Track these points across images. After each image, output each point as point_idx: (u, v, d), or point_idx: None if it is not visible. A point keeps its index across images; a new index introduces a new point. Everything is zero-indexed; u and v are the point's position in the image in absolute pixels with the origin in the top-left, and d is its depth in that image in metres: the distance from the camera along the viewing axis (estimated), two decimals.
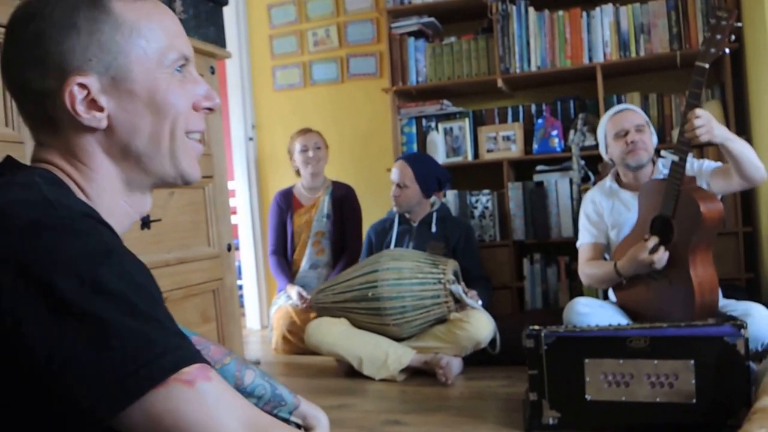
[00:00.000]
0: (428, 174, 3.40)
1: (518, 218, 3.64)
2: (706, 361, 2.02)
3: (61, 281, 0.69)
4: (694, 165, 2.71)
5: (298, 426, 1.27)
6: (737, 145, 2.46)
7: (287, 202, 3.97)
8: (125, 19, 0.87)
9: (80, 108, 0.85)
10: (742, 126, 3.35)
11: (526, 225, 3.65)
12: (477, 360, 3.01)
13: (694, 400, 2.03)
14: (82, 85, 0.84)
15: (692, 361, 2.03)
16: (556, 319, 2.89)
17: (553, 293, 3.59)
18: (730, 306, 2.54)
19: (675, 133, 3.43)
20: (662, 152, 2.80)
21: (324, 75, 4.39)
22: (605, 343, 2.11)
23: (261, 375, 1.25)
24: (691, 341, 2.04)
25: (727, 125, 3.32)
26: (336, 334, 3.04)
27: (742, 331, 2.05)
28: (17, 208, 0.73)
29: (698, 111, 2.40)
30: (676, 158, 2.49)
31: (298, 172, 3.97)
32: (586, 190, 3.44)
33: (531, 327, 2.31)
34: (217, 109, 0.97)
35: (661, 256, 2.51)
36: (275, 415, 1.24)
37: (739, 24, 2.41)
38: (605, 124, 2.89)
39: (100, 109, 0.86)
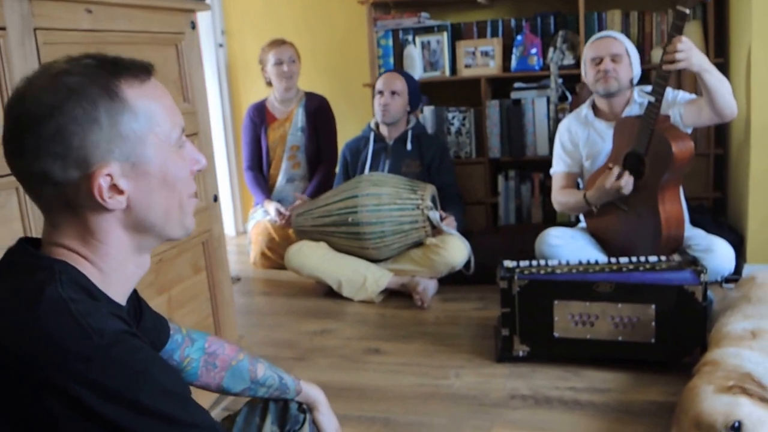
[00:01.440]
0: (416, 89, 3.51)
1: (494, 136, 3.77)
2: (665, 306, 2.25)
3: (112, 411, 0.85)
4: (669, 95, 2.83)
5: (302, 407, 1.46)
6: (713, 78, 2.58)
7: (260, 116, 4.02)
8: (138, 107, 0.95)
9: (106, 195, 0.94)
10: (720, 48, 3.45)
11: (501, 142, 3.78)
12: (452, 279, 3.23)
13: (652, 340, 2.28)
14: (107, 174, 0.93)
15: (653, 306, 2.26)
16: (527, 238, 3.12)
17: (527, 209, 3.79)
18: (694, 239, 2.76)
19: (654, 53, 3.52)
20: (637, 89, 2.93)
21: None
22: (574, 287, 2.33)
23: (269, 367, 1.43)
24: (653, 288, 2.26)
25: (706, 46, 3.43)
26: (316, 258, 3.23)
27: (702, 276, 2.27)
28: (57, 338, 0.85)
29: (682, 38, 2.49)
30: (652, 99, 2.62)
31: (269, 83, 3.99)
32: (563, 109, 3.57)
33: (505, 266, 2.50)
34: (204, 169, 1.09)
35: (626, 181, 2.68)
36: (284, 401, 1.43)
37: None
38: (586, 48, 2.99)
39: (121, 193, 0.95)
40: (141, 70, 1.00)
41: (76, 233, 0.97)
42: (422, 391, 2.28)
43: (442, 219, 3.17)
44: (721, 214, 3.48)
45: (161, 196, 0.99)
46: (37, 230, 1.59)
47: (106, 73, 0.95)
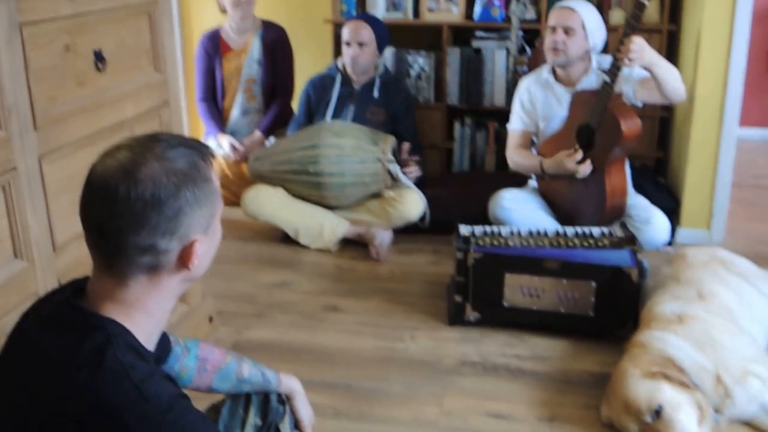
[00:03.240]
0: (383, 32, 3.59)
1: (453, 83, 3.91)
2: (604, 284, 2.53)
3: None
4: (624, 71, 3.02)
5: (281, 398, 1.68)
6: (662, 70, 2.81)
7: (214, 46, 3.98)
8: (215, 185, 1.17)
9: (193, 260, 1.14)
10: (674, 15, 3.62)
11: (460, 90, 3.93)
12: (407, 229, 3.44)
13: (591, 313, 2.57)
14: (198, 244, 1.13)
15: (593, 283, 2.53)
16: (480, 191, 3.36)
17: (480, 156, 3.99)
18: (635, 209, 3.03)
19: (612, 14, 3.67)
20: (597, 58, 3.10)
21: None
22: (524, 262, 2.57)
23: (253, 365, 1.63)
24: (595, 267, 2.53)
25: (661, 12, 3.59)
26: (273, 205, 3.38)
27: (638, 256, 2.54)
28: (118, 404, 1.02)
29: (635, 38, 2.68)
30: (607, 79, 2.81)
31: (223, 11, 3.95)
32: (522, 62, 3.74)
33: (461, 235, 2.72)
34: None
35: (585, 169, 2.92)
36: (264, 393, 1.64)
37: None
38: (550, 12, 3.13)
39: (197, 257, 1.15)
40: (213, 154, 1.20)
41: (143, 291, 1.14)
42: (380, 354, 2.53)
43: (405, 166, 3.34)
44: (661, 175, 3.75)
45: (211, 253, 1.21)
46: (23, 228, 1.70)
47: (200, 159, 1.15)
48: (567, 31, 3.03)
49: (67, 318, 1.12)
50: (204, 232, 1.15)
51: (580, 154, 2.94)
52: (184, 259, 1.14)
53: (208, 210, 1.15)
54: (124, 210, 1.08)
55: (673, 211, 3.34)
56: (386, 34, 3.61)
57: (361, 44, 3.49)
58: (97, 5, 1.96)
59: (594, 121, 2.90)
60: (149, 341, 1.18)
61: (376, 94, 3.58)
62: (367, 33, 3.50)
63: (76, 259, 1.85)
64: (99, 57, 1.98)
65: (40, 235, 1.73)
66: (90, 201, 1.13)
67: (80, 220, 1.15)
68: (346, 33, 3.52)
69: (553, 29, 3.06)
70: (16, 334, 1.20)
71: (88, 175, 1.14)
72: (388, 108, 3.59)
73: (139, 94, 2.15)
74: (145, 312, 1.15)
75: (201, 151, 1.17)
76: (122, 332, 1.11)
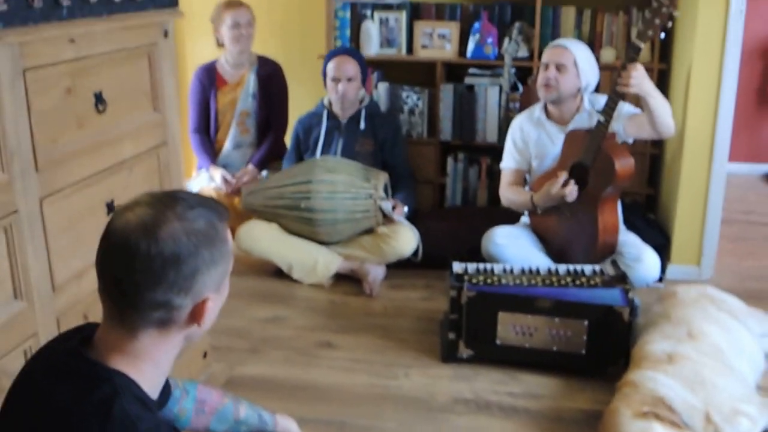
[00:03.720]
0: (364, 64, 3.66)
1: (447, 119, 3.98)
2: (596, 322, 2.57)
3: None
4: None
5: None
6: (657, 102, 2.89)
7: (210, 78, 4.03)
8: (230, 245, 1.21)
9: (204, 317, 1.17)
10: (664, 54, 3.71)
11: (453, 126, 3.99)
12: (399, 264, 3.47)
13: (583, 351, 2.60)
14: (209, 301, 1.17)
15: (586, 322, 2.57)
16: (473, 225, 3.42)
17: (473, 191, 4.05)
18: (626, 246, 3.08)
19: (604, 52, 3.75)
20: (589, 97, 3.17)
21: None
22: (517, 301, 2.62)
23: (249, 406, 1.67)
24: (587, 306, 2.57)
25: (651, 52, 3.68)
26: (267, 240, 3.41)
27: (630, 294, 2.59)
28: None
29: (636, 64, 2.76)
30: (602, 119, 2.89)
31: (220, 44, 4.00)
32: (514, 99, 3.81)
33: (455, 272, 2.76)
34: None
35: (571, 190, 2.97)
36: None
37: (677, 14, 2.70)
38: (544, 51, 3.20)
39: (208, 313, 1.18)
40: (228, 215, 1.24)
41: (152, 343, 1.17)
42: (374, 391, 2.55)
43: (393, 208, 3.39)
44: (651, 211, 3.81)
45: (219, 308, 1.24)
46: (23, 269, 1.72)
47: (217, 220, 1.19)
48: (559, 67, 3.10)
49: (75, 368, 1.14)
50: (216, 290, 1.20)
51: (563, 176, 2.99)
52: (195, 316, 1.17)
53: (222, 269, 1.20)
54: (143, 266, 1.11)
55: (663, 247, 3.40)
56: (365, 64, 3.68)
57: (349, 79, 3.55)
58: (98, 48, 2.00)
59: (588, 159, 2.96)
60: (154, 390, 1.21)
61: (362, 125, 3.64)
62: (352, 67, 3.57)
63: (75, 299, 1.88)
64: (99, 99, 2.02)
65: (39, 276, 1.76)
66: (109, 255, 1.15)
67: (97, 272, 1.18)
68: (332, 69, 3.58)
69: (546, 66, 3.13)
70: (23, 380, 1.22)
71: (107, 228, 1.17)
72: (376, 138, 3.65)
73: (138, 134, 2.19)
74: (153, 363, 1.18)
75: (218, 211, 1.21)
76: (129, 384, 1.14)
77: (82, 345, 1.19)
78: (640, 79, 2.79)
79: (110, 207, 2.06)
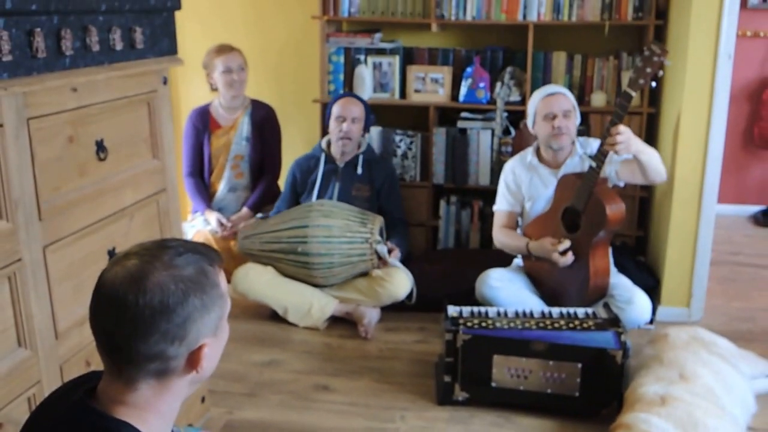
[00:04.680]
0: (368, 110, 3.73)
1: (439, 162, 4.04)
2: (590, 365, 2.60)
3: None
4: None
5: None
6: (646, 156, 2.96)
7: (204, 122, 4.07)
8: (223, 290, 1.22)
9: (201, 364, 1.18)
10: (654, 99, 3.79)
11: (446, 169, 4.05)
12: (393, 306, 3.50)
13: (577, 393, 2.63)
14: (206, 348, 1.18)
15: (580, 365, 2.60)
16: (466, 268, 3.48)
17: (465, 234, 4.09)
18: (618, 289, 3.12)
19: (594, 97, 3.84)
20: (579, 140, 3.24)
21: None
22: (512, 344, 2.64)
23: None
24: (581, 349, 2.60)
25: (641, 96, 3.76)
26: (262, 284, 3.44)
27: (622, 337, 2.63)
28: None
29: (621, 128, 2.83)
30: (593, 164, 2.94)
31: (213, 89, 4.04)
32: (506, 143, 3.87)
33: (450, 316, 2.79)
34: None
35: (567, 260, 3.03)
36: None
37: (668, 62, 2.78)
38: (537, 101, 3.26)
39: (206, 359, 1.19)
40: (221, 259, 1.25)
41: (152, 394, 1.18)
42: None
43: (389, 252, 3.43)
44: (641, 254, 3.87)
45: (219, 352, 1.25)
46: (27, 317, 1.74)
47: (208, 265, 1.19)
48: (566, 114, 3.17)
49: (82, 421, 1.16)
50: (213, 335, 1.20)
51: (562, 246, 3.04)
52: (192, 363, 1.18)
53: (216, 314, 1.20)
54: (133, 318, 1.11)
55: (653, 289, 3.44)
56: (371, 112, 3.75)
57: (353, 120, 3.61)
58: (100, 97, 2.04)
59: (579, 204, 3.01)
60: None
61: (360, 170, 3.69)
62: (358, 109, 3.63)
63: (78, 346, 1.90)
64: (100, 147, 2.05)
65: (43, 324, 1.78)
66: (99, 309, 1.16)
67: (90, 327, 1.19)
68: (338, 109, 3.63)
69: (553, 116, 3.18)
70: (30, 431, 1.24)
71: (98, 283, 1.18)
72: (373, 184, 3.70)
73: (138, 182, 2.23)
74: (156, 413, 1.19)
75: (209, 256, 1.21)
76: None
77: (87, 396, 1.20)
78: (626, 142, 2.84)
79: (111, 254, 2.09)
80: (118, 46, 2.04)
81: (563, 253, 3.04)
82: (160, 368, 1.16)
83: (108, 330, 1.15)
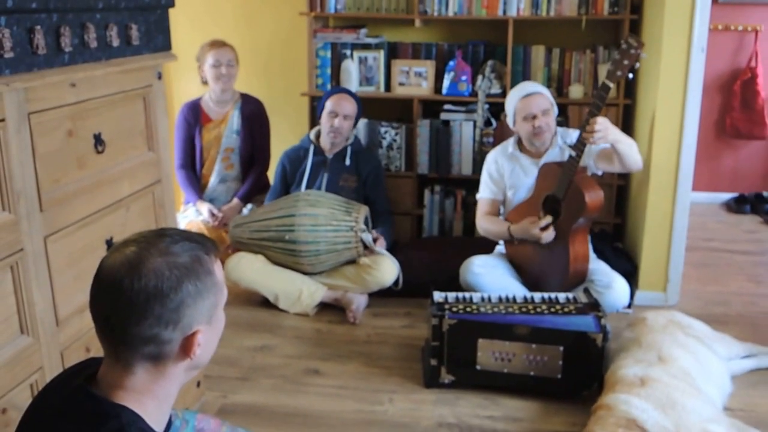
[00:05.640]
0: (360, 107, 3.74)
1: (423, 153, 4.07)
2: (571, 348, 2.64)
3: None
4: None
5: None
6: (624, 146, 3.00)
7: (195, 116, 4.07)
8: (218, 278, 1.23)
9: (195, 350, 1.19)
10: (629, 90, 3.84)
11: (429, 159, 4.08)
12: (380, 293, 3.53)
13: (559, 376, 2.67)
14: (200, 334, 1.19)
15: (561, 348, 2.64)
16: (449, 254, 3.51)
17: (449, 222, 4.13)
18: (597, 274, 3.17)
19: (572, 89, 3.88)
20: (559, 131, 3.28)
21: None
22: (496, 328, 2.68)
23: None
24: (562, 333, 2.64)
25: (617, 87, 3.80)
26: (253, 271, 3.46)
27: (602, 321, 2.67)
28: None
29: (599, 119, 2.86)
30: (573, 154, 2.98)
31: (204, 82, 4.07)
32: (488, 134, 3.91)
33: (436, 301, 2.83)
34: None
35: (549, 235, 3.06)
36: None
37: (644, 55, 2.82)
38: (515, 102, 3.28)
39: (200, 346, 1.20)
40: (216, 248, 1.26)
41: (150, 378, 1.20)
42: (360, 417, 2.59)
43: (374, 240, 3.46)
44: (619, 240, 3.92)
45: (215, 341, 1.27)
46: (29, 305, 1.75)
47: (203, 253, 1.21)
48: (545, 113, 3.21)
49: (83, 405, 1.17)
50: (207, 323, 1.21)
51: (544, 221, 3.08)
52: (186, 349, 1.19)
53: (210, 302, 1.21)
54: (128, 302, 1.13)
55: (630, 274, 3.49)
56: (361, 110, 3.76)
57: (345, 116, 3.62)
58: (98, 92, 2.05)
59: (560, 192, 3.06)
60: (158, 423, 1.24)
61: (347, 162, 3.71)
62: (351, 106, 3.64)
63: (78, 333, 1.91)
64: (98, 140, 2.06)
65: (44, 311, 1.79)
66: (98, 293, 1.19)
67: (90, 311, 1.21)
68: (331, 104, 3.64)
69: (533, 116, 3.21)
70: (31, 417, 1.25)
71: (98, 269, 1.21)
72: (360, 174, 3.72)
73: (134, 174, 2.24)
74: (154, 398, 1.21)
75: (204, 245, 1.23)
76: (135, 419, 1.17)
77: (87, 382, 1.22)
78: (604, 132, 2.88)
79: (109, 244, 2.10)
80: (115, 43, 2.04)
81: (544, 228, 3.07)
82: (155, 352, 1.17)
83: (105, 314, 1.17)
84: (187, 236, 1.24)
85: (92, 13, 1.93)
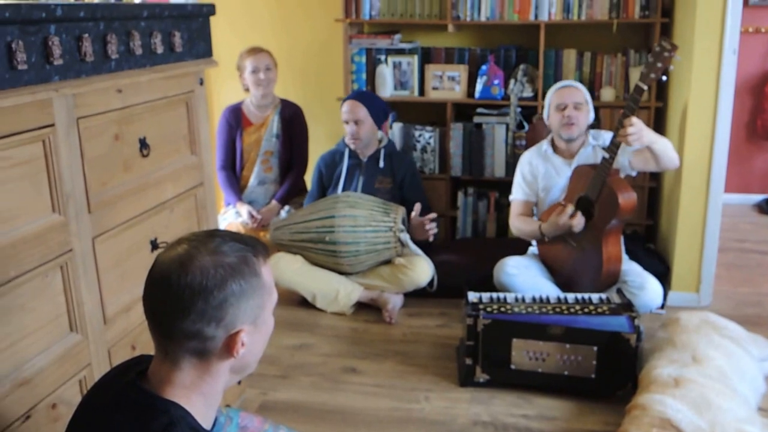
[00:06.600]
0: (377, 107, 3.70)
1: (457, 156, 4.03)
2: (605, 348, 2.59)
3: None
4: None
5: None
6: (659, 145, 2.93)
7: (236, 119, 4.10)
8: (266, 282, 1.22)
9: (237, 348, 1.18)
10: (661, 93, 3.76)
11: (463, 162, 4.04)
12: (415, 293, 3.50)
13: (593, 375, 2.62)
14: (243, 333, 1.18)
15: (595, 348, 2.59)
16: (483, 255, 3.47)
17: (482, 223, 4.08)
18: (630, 275, 3.10)
19: (603, 92, 3.81)
20: (592, 132, 3.23)
21: None
22: (530, 328, 2.63)
23: (287, 430, 1.68)
24: (596, 333, 2.59)
25: (649, 90, 3.73)
26: (292, 272, 3.45)
27: (636, 321, 2.61)
28: None
29: (633, 119, 2.80)
30: (606, 155, 2.92)
31: (246, 89, 4.10)
32: (520, 137, 3.85)
33: (470, 301, 2.79)
34: None
35: (578, 221, 3.00)
36: None
37: (678, 58, 2.76)
38: (551, 94, 3.25)
39: (243, 345, 1.19)
40: (267, 251, 1.25)
41: (196, 374, 1.19)
42: (397, 415, 2.57)
43: (422, 225, 3.42)
44: (651, 241, 3.84)
45: (261, 344, 1.26)
46: (78, 304, 1.76)
47: (252, 255, 1.20)
48: (576, 106, 3.16)
49: (134, 401, 1.17)
50: (252, 323, 1.20)
51: (570, 208, 3.02)
52: (229, 347, 1.18)
53: (255, 302, 1.20)
54: (174, 296, 1.14)
55: (663, 275, 3.42)
56: (382, 108, 3.70)
57: (357, 122, 3.60)
58: (143, 97, 2.06)
59: (593, 193, 3.00)
60: (206, 420, 1.23)
61: (381, 164, 3.69)
62: (361, 111, 3.61)
63: (124, 331, 1.91)
64: (143, 144, 2.07)
65: (92, 310, 1.79)
66: (149, 289, 1.20)
67: (143, 307, 1.21)
68: (343, 113, 3.64)
69: (564, 107, 3.17)
70: (84, 412, 1.25)
71: (152, 265, 1.21)
72: (395, 176, 3.69)
73: (178, 176, 2.24)
74: (200, 394, 1.20)
75: (254, 247, 1.23)
76: (184, 414, 1.16)
77: (138, 378, 1.22)
78: (638, 134, 2.82)
79: (154, 244, 2.10)
80: (159, 50, 2.05)
81: (572, 216, 3.01)
82: (199, 348, 1.17)
83: (154, 308, 1.18)
84: (238, 238, 1.23)
85: (137, 21, 1.94)
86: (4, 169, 1.51)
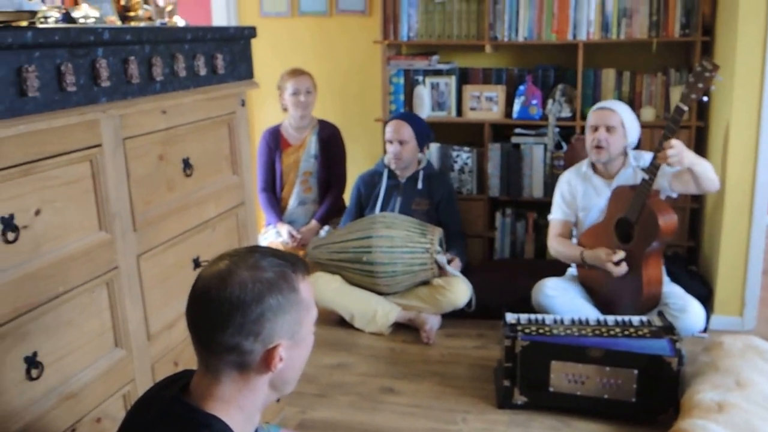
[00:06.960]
0: (422, 129, 3.73)
1: (495, 177, 4.02)
2: (646, 371, 2.54)
3: None
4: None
5: None
6: (700, 167, 2.88)
7: (275, 141, 4.16)
8: (304, 298, 1.24)
9: (276, 363, 1.19)
10: (702, 113, 3.71)
11: (501, 183, 4.03)
12: (453, 314, 3.48)
13: (633, 399, 2.57)
14: (281, 348, 1.19)
15: (636, 371, 2.54)
16: (522, 277, 3.43)
17: (520, 244, 4.06)
18: (671, 298, 3.05)
19: (643, 111, 3.78)
20: (633, 153, 3.19)
21: (312, 6, 4.49)
22: (569, 350, 2.60)
23: None
24: (637, 356, 2.54)
25: (689, 113, 3.68)
26: (330, 291, 3.47)
27: (677, 345, 2.56)
28: None
29: (673, 141, 2.77)
30: (646, 177, 2.89)
31: (285, 109, 4.15)
32: (558, 157, 3.83)
33: (508, 323, 2.77)
34: None
35: (621, 270, 2.97)
36: None
37: (720, 78, 2.73)
38: (589, 114, 3.25)
39: (281, 360, 1.21)
40: (306, 268, 1.27)
41: (236, 388, 1.21)
42: None
43: (448, 262, 3.42)
44: (692, 263, 3.77)
45: (300, 360, 1.27)
46: (123, 320, 1.79)
47: (290, 271, 1.22)
48: (609, 129, 3.13)
49: (177, 414, 1.20)
50: (290, 338, 1.22)
51: (619, 255, 2.98)
52: (267, 361, 1.20)
53: (293, 317, 1.21)
54: (213, 310, 1.17)
55: (705, 298, 3.35)
56: (426, 130, 3.73)
57: (401, 142, 3.62)
58: (186, 119, 2.10)
59: (633, 215, 2.96)
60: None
61: (420, 185, 3.70)
62: (407, 131, 3.63)
63: (167, 347, 1.94)
64: (187, 164, 2.11)
65: (137, 326, 1.82)
66: (191, 303, 1.23)
67: (186, 321, 1.24)
68: (388, 132, 3.67)
69: (595, 128, 3.15)
70: (129, 425, 1.28)
71: (195, 280, 1.24)
72: (432, 198, 3.70)
73: (220, 196, 2.28)
74: (239, 409, 1.22)
75: (294, 264, 1.25)
76: (224, 428, 1.18)
77: (181, 391, 1.24)
78: (679, 155, 2.78)
79: (196, 263, 2.13)
80: (202, 72, 2.09)
81: (617, 263, 2.99)
82: (238, 361, 1.19)
83: (196, 322, 1.21)
84: (278, 254, 1.26)
85: (181, 44, 1.98)
86: (53, 188, 1.56)
